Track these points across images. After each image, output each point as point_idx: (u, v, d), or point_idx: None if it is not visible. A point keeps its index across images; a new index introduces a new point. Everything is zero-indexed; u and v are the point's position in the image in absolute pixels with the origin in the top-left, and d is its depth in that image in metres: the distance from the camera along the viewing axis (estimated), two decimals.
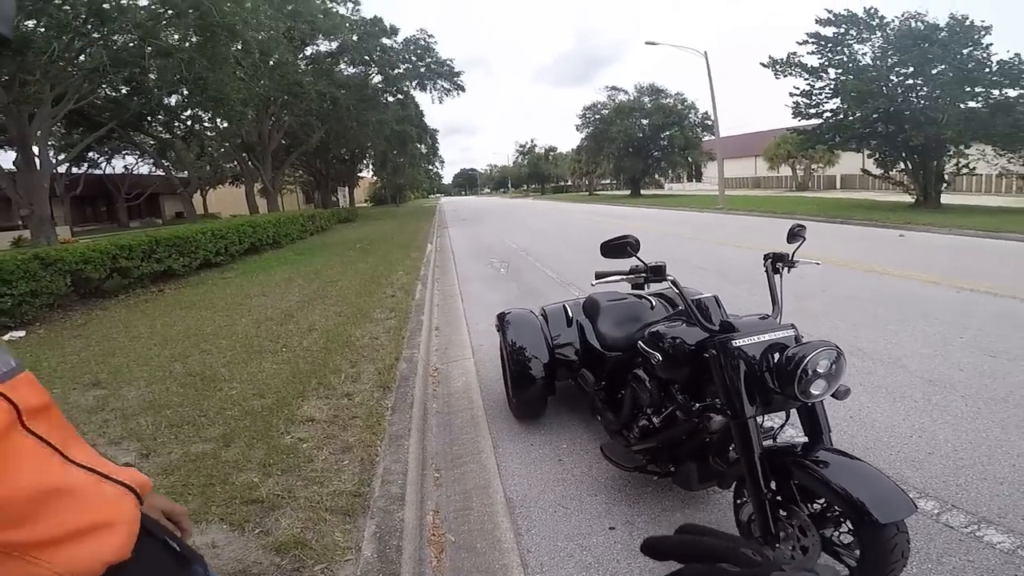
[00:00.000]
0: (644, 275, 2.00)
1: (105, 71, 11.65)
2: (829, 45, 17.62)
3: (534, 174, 68.42)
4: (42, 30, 10.70)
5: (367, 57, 23.68)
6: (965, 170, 16.63)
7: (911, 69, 16.04)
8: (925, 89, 15.98)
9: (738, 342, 1.76)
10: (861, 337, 4.23)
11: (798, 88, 18.83)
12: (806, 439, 1.84)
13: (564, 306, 3.24)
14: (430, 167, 41.80)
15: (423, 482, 2.52)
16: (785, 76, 18.88)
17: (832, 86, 18.06)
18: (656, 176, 41.19)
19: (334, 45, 22.91)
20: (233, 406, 3.24)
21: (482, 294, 7.13)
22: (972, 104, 15.32)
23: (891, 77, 16.45)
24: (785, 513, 1.73)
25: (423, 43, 26.25)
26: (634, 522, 2.21)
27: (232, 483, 2.34)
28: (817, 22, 17.63)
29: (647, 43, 23.75)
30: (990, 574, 1.80)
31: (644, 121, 35.68)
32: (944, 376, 3.44)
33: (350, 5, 22.33)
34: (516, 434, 3.04)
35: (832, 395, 1.73)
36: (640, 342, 2.23)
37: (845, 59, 17.52)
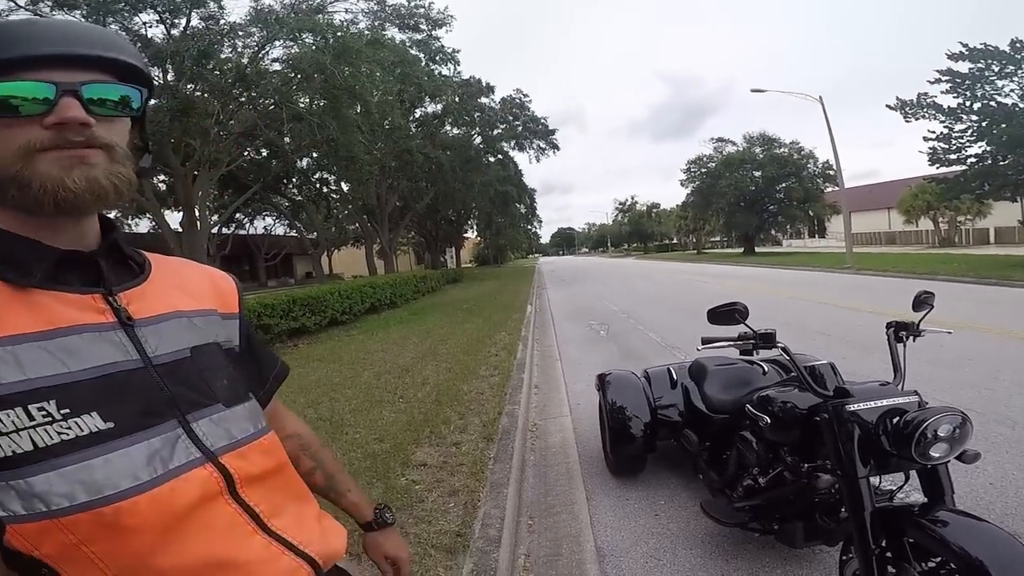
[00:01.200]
0: (752, 342, 2.07)
1: (255, 134, 13.28)
2: (967, 83, 16.02)
3: (635, 232, 67.65)
4: (198, 94, 12.34)
5: (467, 117, 24.41)
6: None
7: None
8: None
9: (853, 407, 1.78)
10: (1014, 406, 3.84)
11: (933, 132, 17.21)
12: (925, 500, 1.77)
13: (668, 368, 3.36)
14: (529, 227, 42.81)
15: (518, 528, 2.71)
16: (917, 119, 17.43)
17: (976, 128, 16.18)
18: (773, 232, 38.49)
19: (439, 107, 23.33)
20: (356, 448, 3.70)
21: (580, 355, 7.31)
22: None
23: None
24: (894, 570, 1.67)
25: (518, 101, 26.92)
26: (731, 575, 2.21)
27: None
28: (949, 57, 16.16)
29: (753, 90, 23.02)
30: None
31: (756, 173, 33.91)
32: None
33: (451, 66, 22.76)
34: (611, 488, 3.14)
35: (958, 458, 1.70)
36: (748, 405, 2.29)
37: (987, 98, 15.76)
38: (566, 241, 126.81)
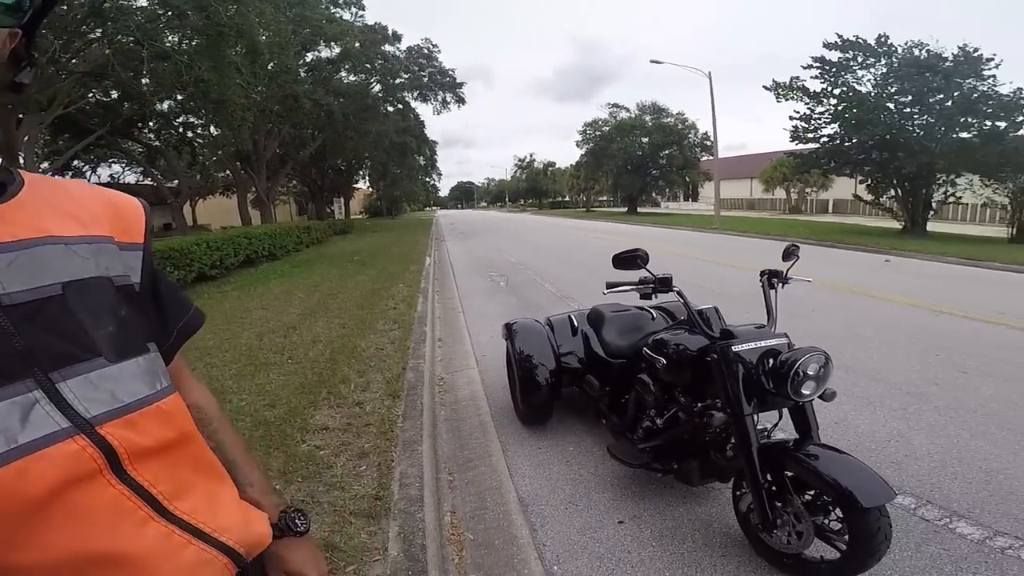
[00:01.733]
0: (652, 286, 2.17)
1: (105, 74, 11.32)
2: (833, 70, 17.85)
3: (532, 189, 68.88)
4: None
5: (368, 65, 22.95)
6: (952, 199, 17.08)
7: (910, 98, 16.42)
8: (924, 118, 16.31)
9: (737, 348, 1.93)
10: (846, 353, 4.43)
11: (798, 112, 19.11)
12: (797, 436, 1.98)
13: (569, 316, 3.41)
14: (427, 179, 41.72)
15: (438, 485, 2.61)
16: (787, 100, 19.18)
17: (832, 111, 18.31)
18: (654, 194, 41.60)
19: (336, 52, 21.96)
20: (244, 417, 3.30)
21: (483, 307, 7.27)
22: (964, 135, 15.68)
23: (889, 105, 16.79)
24: (780, 503, 1.87)
25: (426, 52, 25.75)
26: (641, 516, 2.34)
27: None
28: (825, 46, 17.81)
29: (652, 61, 24.15)
30: (962, 562, 1.97)
31: (644, 139, 36.09)
32: (920, 389, 3.69)
33: (354, 10, 21.58)
34: (524, 438, 3.16)
35: (820, 396, 1.90)
36: (645, 348, 2.39)
37: (847, 86, 17.75)
38: (465, 195, 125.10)
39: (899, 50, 16.73)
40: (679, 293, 2.15)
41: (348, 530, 2.09)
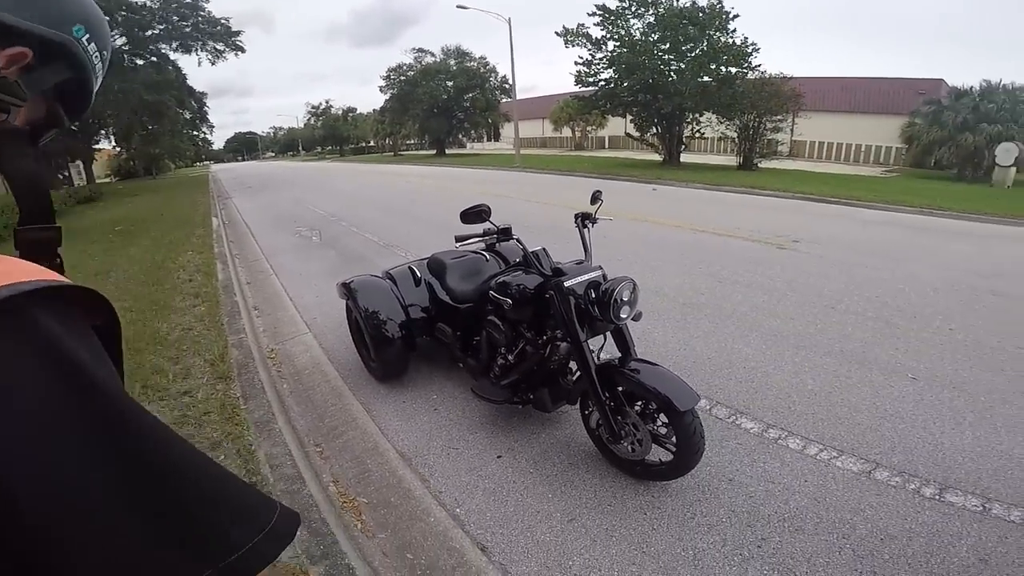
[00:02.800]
0: (496, 236, 2.36)
1: None
2: (611, 18, 19.61)
3: (331, 136, 63.42)
4: None
5: (107, 17, 18.50)
6: (698, 134, 20.92)
7: (668, 45, 18.99)
8: (678, 64, 19.05)
9: (568, 283, 2.20)
10: (633, 272, 5.27)
11: (582, 57, 20.80)
12: (620, 355, 2.34)
13: (410, 267, 3.40)
14: (196, 133, 35.43)
15: (309, 458, 2.47)
16: (573, 45, 20.66)
17: (608, 57, 20.30)
18: (460, 136, 42.06)
19: None
20: None
21: (297, 266, 6.64)
22: (706, 79, 18.90)
23: (653, 51, 19.20)
24: (620, 416, 2.23)
25: (189, 1, 21.85)
26: (514, 448, 2.58)
27: None
28: None
29: (458, 6, 23.47)
30: (752, 453, 2.56)
31: (449, 83, 35.94)
32: (692, 300, 4.60)
33: None
34: (384, 396, 3.12)
35: (632, 319, 2.27)
36: (492, 292, 2.55)
37: (623, 33, 19.71)
38: (246, 146, 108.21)
39: (663, 1, 19.13)
40: (518, 240, 2.36)
41: None
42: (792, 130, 20.53)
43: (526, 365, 2.52)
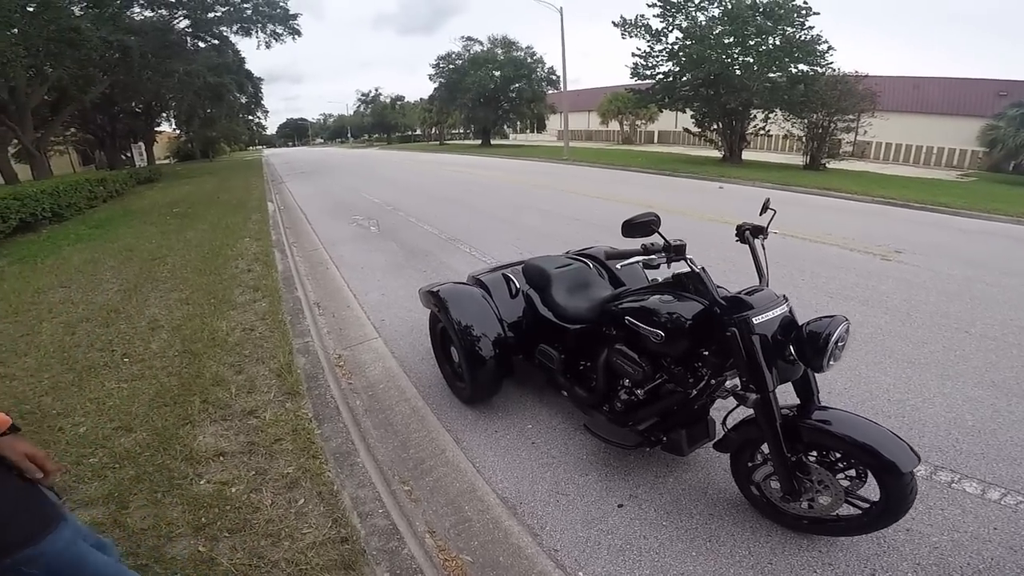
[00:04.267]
0: (664, 254, 1.90)
1: None
2: (673, 10, 18.72)
3: (379, 123, 64.61)
4: None
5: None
6: (763, 132, 19.80)
7: (733, 39, 17.90)
8: (743, 59, 18.02)
9: (757, 319, 1.74)
10: (724, 281, 4.80)
11: (640, 49, 19.98)
12: (799, 402, 1.88)
13: (504, 276, 2.97)
14: (251, 117, 36.66)
15: (398, 502, 2.10)
16: (631, 36, 19.82)
17: (669, 50, 19.43)
18: (505, 127, 41.93)
19: None
20: (94, 449, 2.34)
21: (358, 258, 6.35)
22: (773, 75, 17.84)
23: (723, 42, 18.15)
24: (801, 472, 1.79)
25: None
26: (637, 495, 2.15)
27: (174, 559, 1.69)
28: None
29: None
30: (919, 496, 2.15)
31: (496, 73, 35.64)
32: (807, 318, 4.04)
33: None
34: (472, 423, 2.74)
35: None
36: (628, 318, 2.08)
37: (688, 24, 18.75)
38: (297, 132, 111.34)
39: None
40: (691, 262, 1.92)
41: None
42: (858, 130, 19.19)
43: (664, 405, 2.08)
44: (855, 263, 5.99)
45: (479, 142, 40.75)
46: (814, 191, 12.49)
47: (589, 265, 2.98)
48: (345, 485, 2.05)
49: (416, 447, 2.53)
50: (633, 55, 20.12)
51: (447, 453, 2.45)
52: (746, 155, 21.11)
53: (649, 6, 19.01)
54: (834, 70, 17.73)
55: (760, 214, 2.13)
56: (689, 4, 18.55)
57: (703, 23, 18.46)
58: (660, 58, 19.76)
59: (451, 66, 37.17)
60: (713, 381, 1.96)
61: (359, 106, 67.55)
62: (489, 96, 35.87)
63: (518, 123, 40.98)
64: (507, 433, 2.63)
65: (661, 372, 2.07)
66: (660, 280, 2.18)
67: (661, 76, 20.09)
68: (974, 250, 7.52)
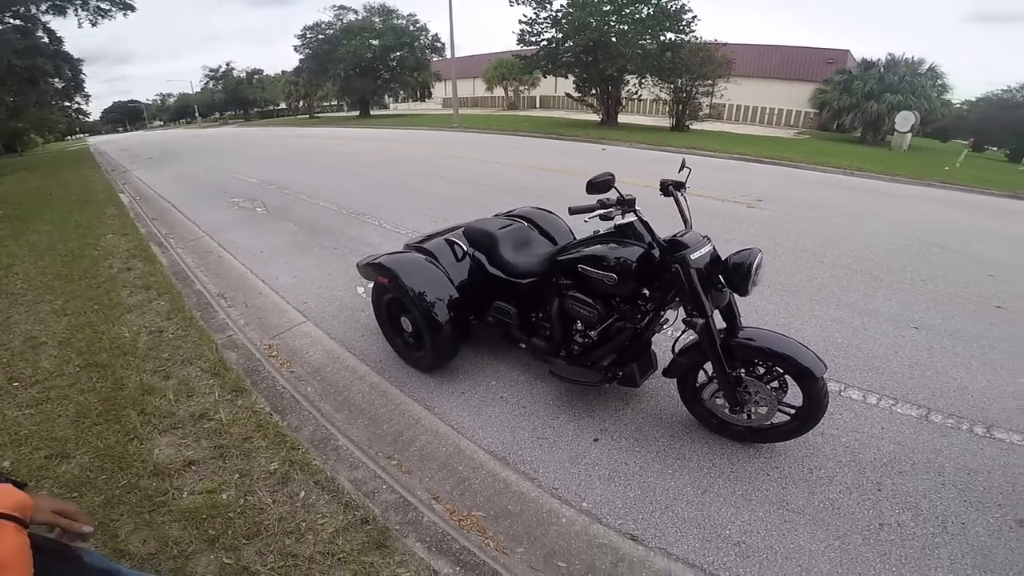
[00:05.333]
0: (617, 207, 2.15)
1: None
2: None
3: (234, 100, 57.81)
4: None
5: None
6: (636, 96, 21.16)
7: (610, 7, 18.82)
8: (620, 27, 18.93)
9: (693, 256, 2.03)
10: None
11: (526, 16, 20.31)
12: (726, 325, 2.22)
13: (447, 240, 3.02)
14: (68, 104, 31.03)
15: (393, 476, 2.13)
16: (519, 4, 20.10)
17: (553, 17, 19.92)
18: (386, 96, 40.09)
19: None
20: (37, 482, 2.04)
21: (255, 241, 5.85)
22: (645, 43, 19.00)
23: (599, 11, 19.01)
24: (740, 386, 2.15)
25: None
26: (607, 429, 2.42)
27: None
28: None
29: None
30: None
31: (375, 42, 33.73)
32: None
33: None
34: (437, 389, 2.81)
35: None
36: (582, 266, 2.30)
37: None
38: (130, 116, 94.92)
39: None
40: (637, 212, 2.19)
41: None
42: (714, 94, 21.45)
43: (617, 342, 2.33)
44: (727, 212, 6.85)
45: (356, 113, 38.58)
46: (682, 150, 13.77)
47: (526, 224, 3.15)
48: (338, 470, 2.04)
49: (388, 422, 2.54)
50: (520, 22, 20.47)
51: (423, 422, 2.50)
52: (621, 118, 22.47)
53: None
54: (697, 38, 19.42)
55: (679, 171, 2.43)
56: None
57: None
58: (545, 25, 20.22)
59: (320, 36, 34.63)
60: (659, 315, 2.26)
61: (207, 82, 60.01)
62: (367, 66, 34.07)
63: (400, 92, 39.36)
64: (474, 393, 2.74)
65: (612, 312, 2.33)
66: (601, 231, 2.41)
67: (545, 43, 20.58)
68: (816, 196, 8.94)
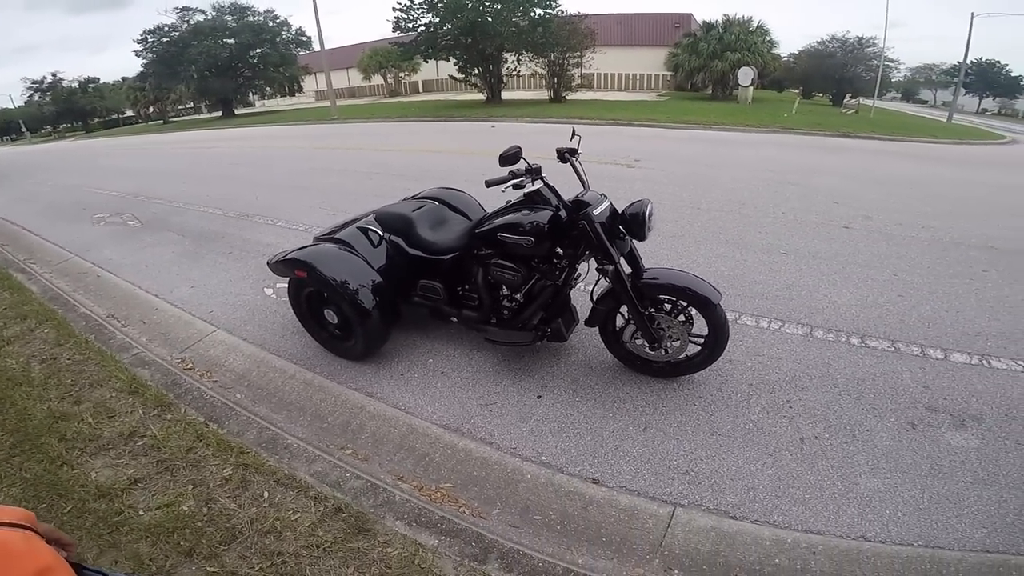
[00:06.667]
0: (527, 176, 2.33)
1: None
2: None
3: (68, 111, 50.13)
4: None
5: None
6: (516, 73, 21.52)
7: None
8: (496, 5, 19.10)
9: (595, 212, 2.27)
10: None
11: (401, 2, 19.82)
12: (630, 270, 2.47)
13: (359, 228, 3.01)
14: None
15: (351, 465, 2.13)
16: None
17: (429, 2, 19.59)
18: (251, 94, 37.12)
19: None
20: None
21: (136, 256, 5.27)
22: (517, 19, 19.39)
23: None
24: (654, 323, 2.43)
25: None
26: (546, 385, 2.60)
27: None
28: None
29: None
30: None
31: (230, 40, 31.49)
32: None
33: None
34: (374, 375, 2.81)
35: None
36: (501, 234, 2.44)
37: None
38: None
39: None
40: (544, 179, 2.40)
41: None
42: (583, 64, 22.55)
43: (541, 300, 2.52)
44: (610, 172, 7.41)
45: (219, 114, 35.38)
46: (564, 120, 14.42)
47: (438, 204, 3.22)
48: (295, 467, 2.01)
49: (332, 415, 2.52)
50: (395, 9, 20.17)
51: (368, 408, 2.51)
52: (504, 95, 22.83)
53: None
54: (563, 12, 20.16)
55: (571, 139, 2.66)
56: None
57: None
58: (421, 10, 20.01)
59: (165, 39, 31.78)
60: (574, 269, 2.50)
61: (31, 95, 51.50)
62: (224, 65, 31.82)
63: (267, 89, 36.65)
64: (413, 373, 2.79)
65: (534, 273, 2.51)
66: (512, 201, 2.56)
67: (423, 28, 20.34)
68: (684, 151, 9.86)
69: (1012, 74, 53.80)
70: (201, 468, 2.05)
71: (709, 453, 2.15)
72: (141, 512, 1.86)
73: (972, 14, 22.19)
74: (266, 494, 1.91)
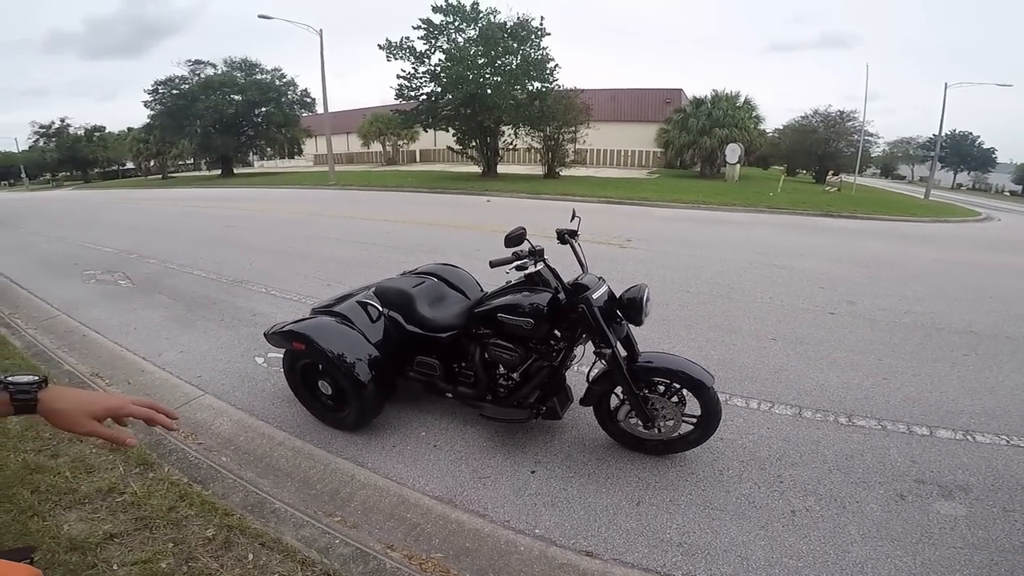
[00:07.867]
0: (530, 258, 2.44)
1: None
2: (435, 32, 19.88)
3: (70, 159, 50.90)
4: None
5: None
6: (512, 147, 22.58)
7: (483, 61, 19.92)
8: (496, 78, 20.11)
9: (594, 296, 2.37)
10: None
11: (404, 71, 20.80)
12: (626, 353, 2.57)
13: (359, 302, 3.08)
14: None
15: (342, 533, 2.08)
16: (397, 59, 20.54)
17: (432, 71, 20.53)
18: (251, 154, 38.02)
19: None
20: None
21: (124, 317, 5.25)
22: (515, 92, 20.42)
23: (475, 64, 19.95)
24: (648, 404, 2.49)
25: None
26: (540, 460, 2.60)
27: None
28: (434, 9, 19.67)
29: (260, 16, 20.72)
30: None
31: (237, 97, 32.40)
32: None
33: None
34: (365, 445, 2.79)
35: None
36: (501, 315, 2.53)
37: (449, 45, 20.08)
38: None
39: (481, 16, 20.05)
40: (547, 263, 2.51)
41: None
42: (577, 140, 23.14)
43: (537, 380, 2.56)
44: (602, 252, 7.67)
45: (218, 172, 36.19)
46: (556, 197, 15.07)
47: (436, 280, 3.32)
48: (282, 531, 1.95)
49: (321, 482, 2.47)
50: (398, 76, 20.88)
51: (359, 477, 2.48)
52: (499, 168, 23.80)
53: (414, 28, 20.07)
54: (560, 86, 21.35)
55: (571, 220, 2.82)
56: (450, 26, 20.08)
57: (462, 44, 20.18)
58: (424, 79, 20.88)
59: (175, 91, 32.48)
60: (571, 351, 2.56)
61: (37, 140, 52.47)
62: (228, 122, 32.43)
63: (267, 149, 37.62)
64: (406, 445, 2.78)
65: (531, 353, 2.58)
66: (513, 281, 2.68)
67: (425, 96, 21.19)
68: (673, 231, 10.28)
69: (984, 146, 57.12)
70: (183, 527, 1.99)
71: (702, 526, 2.17)
72: (115, 567, 1.79)
73: (946, 84, 23.74)
74: (251, 556, 1.85)
